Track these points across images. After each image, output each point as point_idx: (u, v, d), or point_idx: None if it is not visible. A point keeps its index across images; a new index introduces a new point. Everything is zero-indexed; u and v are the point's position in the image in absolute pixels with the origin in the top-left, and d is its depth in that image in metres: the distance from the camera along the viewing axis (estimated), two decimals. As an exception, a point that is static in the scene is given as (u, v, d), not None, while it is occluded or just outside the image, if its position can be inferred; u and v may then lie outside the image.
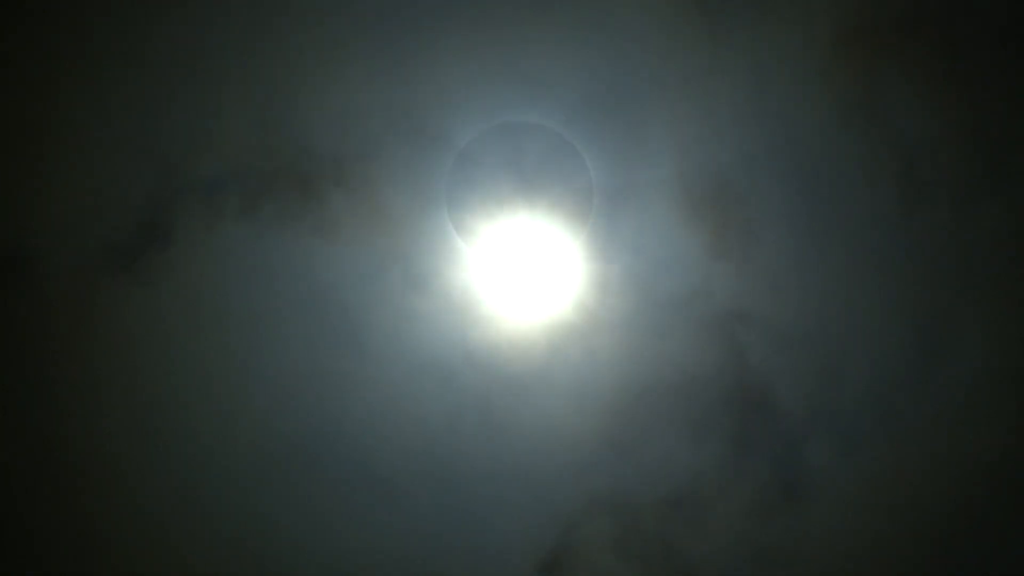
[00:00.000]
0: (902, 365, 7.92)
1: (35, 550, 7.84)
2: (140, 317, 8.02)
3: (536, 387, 8.03)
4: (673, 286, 7.97)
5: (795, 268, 7.93)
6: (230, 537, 7.92)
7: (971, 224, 7.88)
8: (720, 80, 7.89)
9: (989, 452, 7.78)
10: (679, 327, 7.98)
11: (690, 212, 7.93)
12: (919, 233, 7.89)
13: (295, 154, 8.02)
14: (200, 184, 8.04)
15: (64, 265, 7.99)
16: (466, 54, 7.82)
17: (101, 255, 8.01)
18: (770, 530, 7.92)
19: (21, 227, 7.96)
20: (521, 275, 8.02)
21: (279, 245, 8.03)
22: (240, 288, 8.03)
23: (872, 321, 7.92)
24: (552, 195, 7.95)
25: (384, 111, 7.97)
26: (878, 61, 7.88)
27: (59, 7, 7.99)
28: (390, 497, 7.99)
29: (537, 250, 8.01)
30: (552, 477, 8.01)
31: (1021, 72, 7.84)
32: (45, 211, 7.99)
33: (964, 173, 7.88)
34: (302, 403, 8.04)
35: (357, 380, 8.02)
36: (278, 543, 7.92)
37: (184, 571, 7.88)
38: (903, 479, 7.86)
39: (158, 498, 7.95)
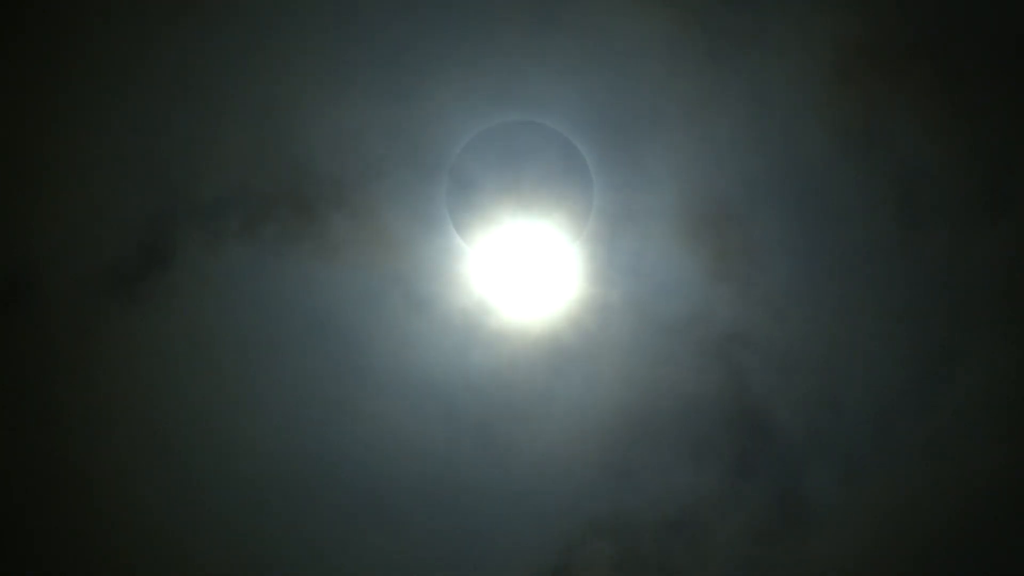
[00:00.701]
0: (902, 390, 7.94)
1: (37, 570, 7.82)
2: (141, 340, 8.01)
3: (536, 411, 8.03)
4: (673, 310, 7.99)
5: (795, 293, 7.96)
6: (230, 561, 7.90)
7: (970, 250, 7.91)
8: (720, 106, 7.92)
9: (988, 478, 7.80)
10: (679, 351, 7.99)
11: (690, 237, 7.96)
12: (918, 259, 7.92)
13: (295, 177, 8.03)
14: (200, 207, 8.04)
15: (65, 288, 7.98)
16: (468, 79, 7.84)
17: (102, 278, 8.01)
18: (770, 554, 7.93)
19: (22, 250, 7.95)
20: (522, 299, 8.03)
21: (279, 268, 8.03)
22: (240, 311, 8.03)
23: (872, 346, 7.94)
24: (552, 214, 7.97)
25: (385, 134, 7.98)
26: (877, 88, 7.92)
27: (58, 29, 8.00)
28: (390, 521, 7.98)
29: (538, 274, 8.02)
30: (552, 501, 8.01)
31: (1020, 99, 7.88)
32: (45, 234, 7.99)
33: (963, 200, 7.91)
34: (302, 426, 8.04)
35: (357, 403, 8.02)
36: (278, 567, 7.91)
37: (183, 595, 7.88)
38: (902, 504, 7.87)
39: (158, 522, 7.93)
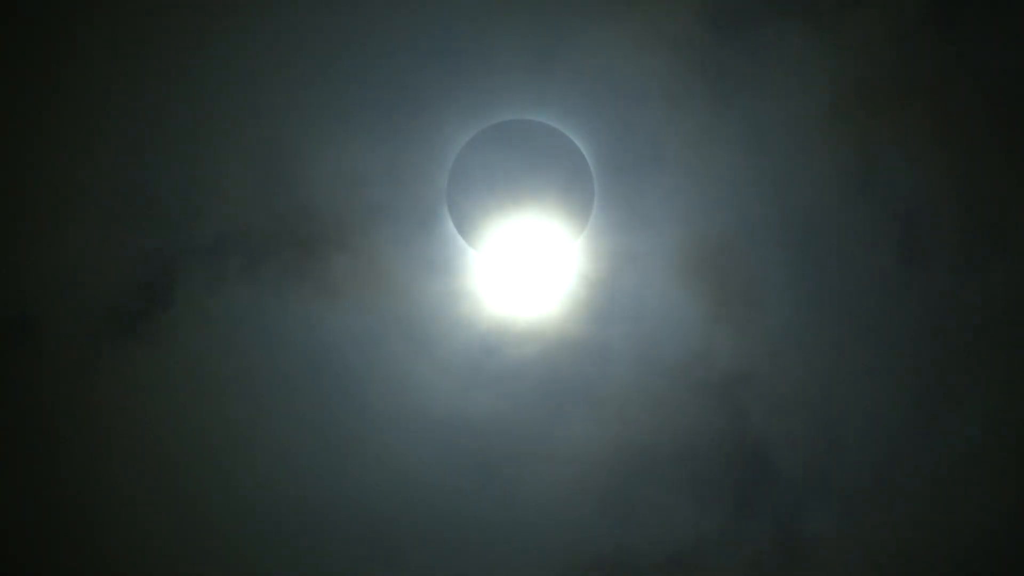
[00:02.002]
0: (901, 430, 7.97)
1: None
2: (142, 378, 8.02)
3: (537, 450, 8.05)
4: (673, 350, 8.01)
5: (794, 333, 7.99)
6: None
7: (969, 290, 7.95)
8: (719, 147, 7.96)
9: (987, 518, 7.83)
10: (680, 390, 8.02)
11: (690, 277, 7.99)
12: (918, 298, 7.95)
13: (296, 217, 8.06)
14: (202, 246, 8.06)
15: (67, 326, 7.99)
16: (468, 119, 7.87)
17: (103, 316, 8.02)
18: (770, 592, 7.97)
19: (24, 289, 7.96)
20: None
21: (280, 307, 8.05)
22: (241, 350, 8.04)
23: (871, 386, 7.97)
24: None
25: (386, 176, 8.01)
26: (876, 128, 7.96)
27: (60, 69, 8.02)
28: (391, 559, 8.00)
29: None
30: (553, 539, 8.02)
31: (1018, 138, 7.92)
32: (47, 273, 8.00)
33: (962, 239, 7.95)
34: (303, 465, 8.05)
35: (357, 442, 8.03)
36: (279, 607, 7.93)
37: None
38: (901, 544, 7.89)
39: (161, 556, 7.93)
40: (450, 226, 7.95)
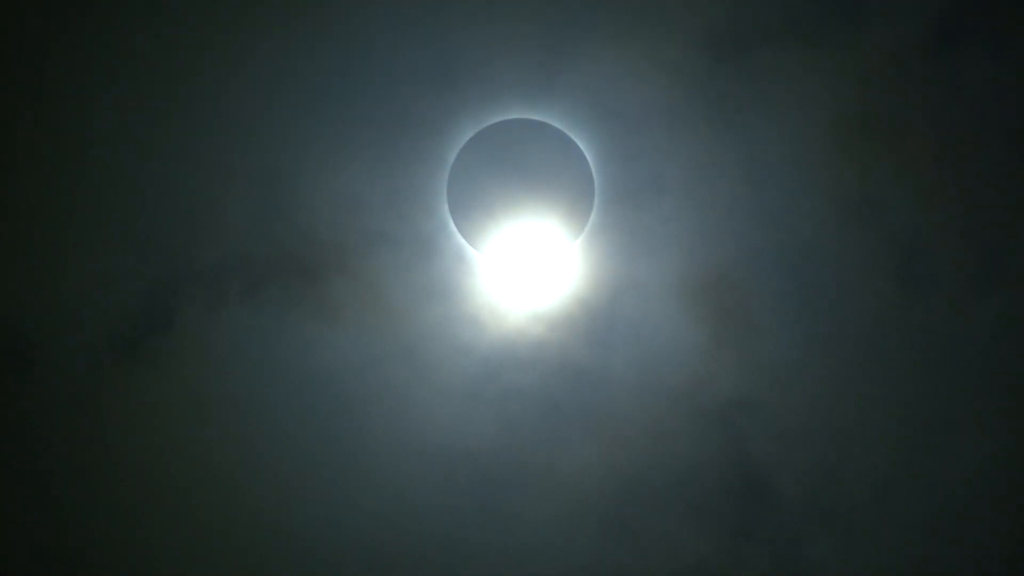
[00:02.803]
0: (902, 457, 7.97)
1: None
2: (142, 403, 8.02)
3: (537, 476, 8.05)
4: (674, 376, 8.01)
5: (795, 360, 7.98)
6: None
7: (970, 319, 7.95)
8: (720, 174, 7.97)
9: (988, 547, 7.82)
10: (680, 417, 8.02)
11: (691, 304, 7.99)
12: (918, 327, 7.96)
13: (296, 242, 8.06)
14: (202, 270, 8.06)
15: (65, 352, 7.99)
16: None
17: (102, 342, 8.02)
18: (770, 619, 7.96)
19: (22, 315, 7.96)
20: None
21: (281, 332, 8.04)
22: (241, 376, 8.04)
23: (872, 413, 7.97)
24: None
25: (387, 201, 8.01)
26: (876, 155, 7.97)
27: (59, 93, 8.03)
28: (390, 585, 8.01)
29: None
30: (553, 564, 8.01)
31: (1018, 165, 7.94)
32: (46, 299, 8.00)
33: (962, 268, 7.95)
34: (302, 490, 8.04)
35: (357, 467, 8.03)
36: (278, 634, 7.92)
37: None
38: (902, 572, 7.88)
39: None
40: (451, 250, 7.96)
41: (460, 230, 7.90)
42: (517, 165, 7.81)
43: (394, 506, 7.98)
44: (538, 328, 8.03)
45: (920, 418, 7.95)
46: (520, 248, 7.98)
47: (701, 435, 8.00)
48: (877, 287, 7.96)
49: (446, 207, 7.95)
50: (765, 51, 7.94)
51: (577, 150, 7.86)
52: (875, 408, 7.95)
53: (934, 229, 7.95)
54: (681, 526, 7.99)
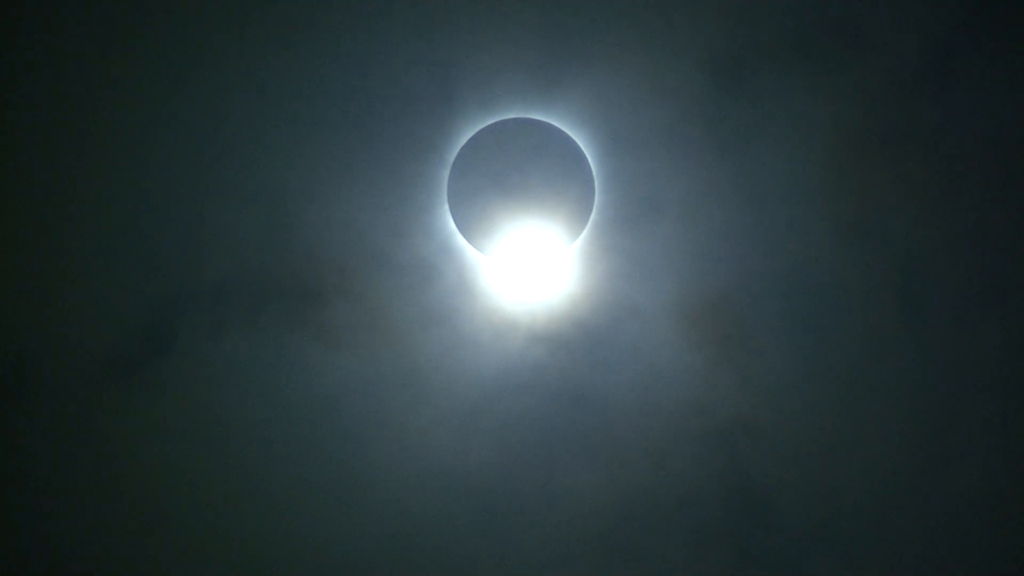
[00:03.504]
0: (902, 479, 7.98)
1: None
2: (142, 426, 8.02)
3: (536, 500, 8.06)
4: (673, 398, 8.03)
5: (795, 382, 8.00)
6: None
7: (971, 340, 7.97)
8: (720, 196, 7.98)
9: (988, 568, 7.84)
10: (680, 439, 8.03)
11: (690, 326, 8.00)
12: (919, 348, 7.97)
13: (298, 264, 8.06)
14: (203, 292, 8.06)
15: (65, 373, 7.99)
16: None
17: (102, 362, 8.02)
18: (771, 640, 7.98)
19: (21, 336, 7.96)
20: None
21: (282, 354, 8.05)
22: (242, 397, 8.04)
23: (872, 436, 7.98)
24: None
25: (389, 224, 8.02)
26: (876, 178, 7.99)
27: (60, 113, 8.03)
28: (391, 607, 8.02)
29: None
30: (554, 587, 8.04)
31: (1018, 189, 7.95)
32: (46, 319, 8.00)
33: (962, 289, 7.97)
34: (302, 513, 8.05)
35: (358, 491, 8.04)
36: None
37: None
38: (903, 593, 7.92)
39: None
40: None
41: (463, 250, 7.92)
42: (516, 183, 7.82)
43: (394, 529, 7.99)
44: (538, 352, 8.03)
45: (920, 440, 7.97)
46: (520, 271, 7.99)
47: (701, 457, 8.02)
48: (877, 309, 7.97)
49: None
50: (765, 73, 7.95)
51: (578, 171, 7.87)
52: (875, 430, 7.97)
53: (934, 251, 7.96)
54: (682, 548, 8.01)
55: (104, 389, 8.02)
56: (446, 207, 7.94)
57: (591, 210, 7.86)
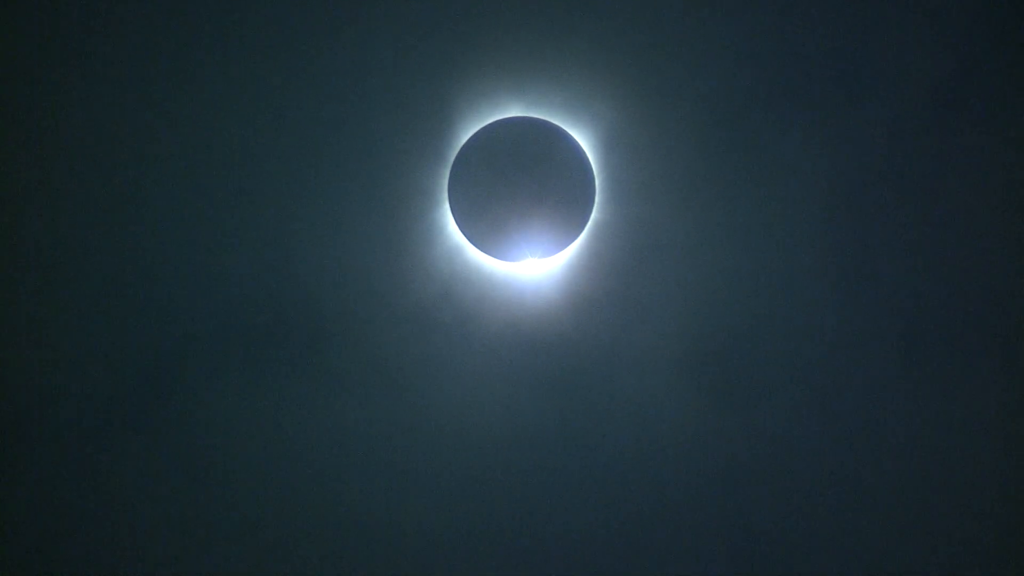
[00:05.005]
0: (902, 528, 7.96)
1: None
2: (144, 470, 8.01)
3: (537, 540, 8.05)
4: (674, 443, 8.02)
5: (797, 427, 7.99)
6: None
7: (970, 388, 7.96)
8: (721, 240, 7.98)
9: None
10: (681, 482, 8.01)
11: (690, 372, 8.00)
12: (919, 395, 7.96)
13: (300, 308, 8.07)
14: (204, 337, 8.07)
15: (66, 421, 8.00)
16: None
17: (105, 409, 8.02)
18: None
19: (24, 383, 7.97)
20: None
21: (282, 399, 8.05)
22: (244, 441, 8.04)
23: (872, 483, 7.96)
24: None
25: (390, 268, 8.03)
26: (873, 224, 7.98)
27: (57, 158, 8.03)
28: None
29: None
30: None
31: (1018, 235, 7.94)
32: (48, 367, 8.00)
33: (962, 336, 7.96)
34: (302, 558, 8.05)
35: (357, 537, 8.03)
36: None
37: None
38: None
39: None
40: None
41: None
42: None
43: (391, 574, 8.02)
44: (539, 399, 8.04)
45: (920, 489, 7.95)
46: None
47: (703, 500, 8.00)
48: (877, 356, 7.96)
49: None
50: (766, 118, 7.96)
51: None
52: (875, 477, 7.95)
53: (934, 298, 7.95)
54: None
55: (106, 435, 8.02)
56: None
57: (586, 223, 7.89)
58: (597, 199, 7.97)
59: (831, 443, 8.00)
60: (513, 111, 7.94)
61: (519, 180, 7.69)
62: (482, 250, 7.92)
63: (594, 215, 7.96)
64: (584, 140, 7.92)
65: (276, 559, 8.03)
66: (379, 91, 7.92)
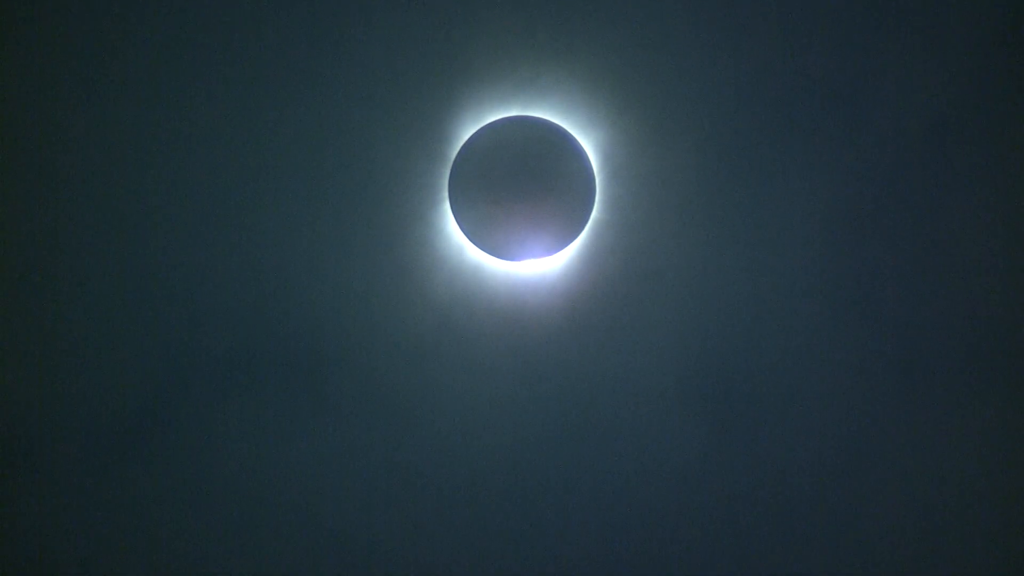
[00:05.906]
0: (902, 557, 7.95)
1: None
2: (144, 498, 7.99)
3: (532, 567, 8.03)
4: (675, 472, 8.01)
5: (797, 455, 7.99)
6: None
7: (970, 416, 7.96)
8: (720, 270, 8.02)
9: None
10: (681, 511, 8.00)
11: (691, 400, 8.01)
12: (918, 424, 7.97)
13: (299, 336, 8.08)
14: (202, 365, 8.07)
15: (64, 449, 7.99)
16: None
17: (104, 436, 8.01)
18: None
19: (19, 411, 7.96)
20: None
21: (282, 427, 8.05)
22: (244, 469, 8.02)
23: (873, 512, 7.96)
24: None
25: (388, 296, 8.05)
26: (873, 255, 8.01)
27: (54, 182, 8.06)
28: None
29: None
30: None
31: (1018, 263, 7.97)
32: (47, 394, 8.00)
33: (962, 367, 7.97)
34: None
35: (357, 566, 8.01)
36: None
37: None
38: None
39: None
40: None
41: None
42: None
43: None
44: (538, 429, 8.04)
45: (924, 517, 7.94)
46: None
47: (703, 530, 7.99)
48: (876, 384, 7.97)
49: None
50: (765, 147, 8.00)
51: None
52: (876, 506, 7.95)
53: (934, 329, 7.98)
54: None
55: (106, 462, 8.01)
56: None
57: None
58: (597, 199, 7.99)
59: (830, 467, 7.99)
60: (513, 111, 7.97)
61: (519, 180, 7.70)
62: (483, 250, 7.92)
63: (594, 215, 7.97)
64: (584, 140, 7.95)
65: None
66: (379, 91, 7.96)
